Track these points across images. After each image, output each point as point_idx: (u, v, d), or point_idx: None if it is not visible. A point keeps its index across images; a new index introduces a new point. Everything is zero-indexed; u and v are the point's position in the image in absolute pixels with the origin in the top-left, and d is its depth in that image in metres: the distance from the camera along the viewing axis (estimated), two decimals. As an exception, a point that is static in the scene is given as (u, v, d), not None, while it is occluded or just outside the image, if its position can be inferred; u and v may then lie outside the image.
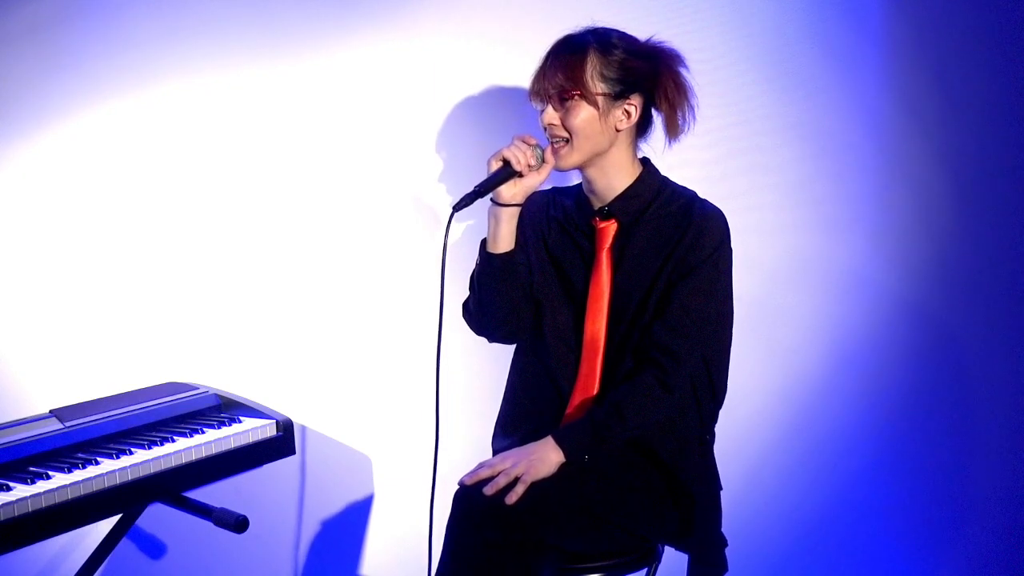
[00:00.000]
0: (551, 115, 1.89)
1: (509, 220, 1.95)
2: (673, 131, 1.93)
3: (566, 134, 1.88)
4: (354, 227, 2.44)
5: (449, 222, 1.86)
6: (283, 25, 2.35)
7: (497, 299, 1.97)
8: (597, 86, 1.85)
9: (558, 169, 1.93)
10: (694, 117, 1.93)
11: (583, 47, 1.86)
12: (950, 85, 2.49)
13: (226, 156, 2.37)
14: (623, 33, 1.90)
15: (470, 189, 1.87)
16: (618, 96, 1.87)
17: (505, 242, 1.96)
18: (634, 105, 1.89)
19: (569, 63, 1.86)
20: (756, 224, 2.43)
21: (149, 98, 2.31)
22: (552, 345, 1.98)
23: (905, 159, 2.51)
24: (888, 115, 2.50)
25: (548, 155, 1.91)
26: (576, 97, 1.85)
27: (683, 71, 1.91)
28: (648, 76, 1.89)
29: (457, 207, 1.86)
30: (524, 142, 1.90)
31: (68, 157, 2.28)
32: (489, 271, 1.97)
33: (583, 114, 1.86)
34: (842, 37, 2.47)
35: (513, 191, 1.92)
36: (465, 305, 2.07)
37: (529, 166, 1.90)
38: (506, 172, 1.90)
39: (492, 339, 2.07)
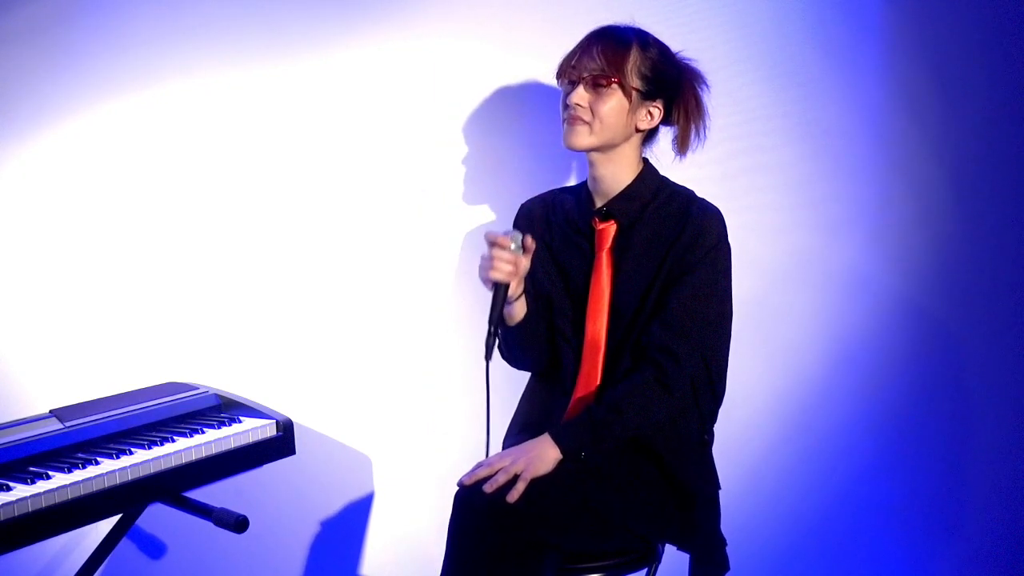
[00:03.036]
0: (581, 95, 1.87)
1: (519, 303, 1.94)
2: (684, 145, 1.96)
3: (589, 117, 1.88)
4: (353, 227, 2.44)
5: (487, 373, 1.84)
6: (283, 25, 2.35)
7: (528, 350, 2.01)
8: (634, 80, 1.87)
9: (569, 147, 1.91)
10: (705, 137, 1.97)
11: (628, 40, 1.88)
12: (950, 85, 2.49)
13: (226, 156, 2.37)
14: (658, 39, 1.93)
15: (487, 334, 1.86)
16: (646, 96, 1.89)
17: (518, 314, 1.95)
18: (658, 108, 1.92)
19: (614, 51, 1.86)
20: (756, 224, 2.43)
21: (149, 98, 2.31)
22: (557, 345, 1.99)
23: (905, 159, 2.51)
24: (888, 115, 2.50)
25: (527, 241, 1.86)
26: (614, 85, 1.86)
27: (704, 91, 1.95)
28: (673, 85, 1.92)
29: (489, 355, 1.84)
30: (499, 247, 1.84)
31: (68, 157, 2.28)
32: (511, 336, 1.99)
33: (615, 103, 1.87)
34: (842, 37, 2.47)
35: (513, 285, 1.88)
36: (499, 348, 2.06)
37: (512, 274, 1.85)
38: (503, 289, 1.86)
39: (532, 371, 2.10)
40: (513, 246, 1.84)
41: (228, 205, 2.38)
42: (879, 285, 2.53)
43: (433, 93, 2.41)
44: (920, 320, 2.55)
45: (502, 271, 1.84)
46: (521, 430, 2.03)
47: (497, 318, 1.86)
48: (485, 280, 1.86)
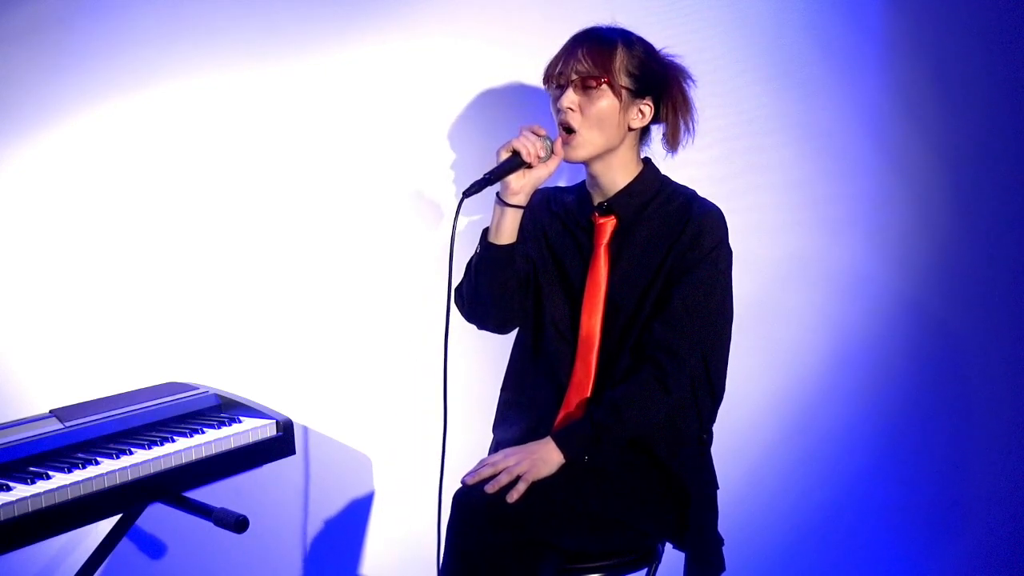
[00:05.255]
0: (571, 99, 1.87)
1: (514, 214, 1.96)
2: (674, 141, 1.96)
3: (579, 121, 1.88)
4: (353, 226, 2.44)
5: (459, 208, 1.86)
6: (283, 25, 2.35)
7: (492, 287, 1.98)
8: (623, 79, 1.87)
9: (567, 160, 1.93)
10: (694, 131, 1.97)
11: (613, 39, 1.88)
12: (950, 85, 2.49)
13: (226, 156, 2.37)
14: (642, 38, 1.93)
15: (478, 178, 1.88)
16: (636, 94, 1.89)
17: (507, 235, 1.96)
18: (648, 106, 1.91)
19: (600, 51, 1.86)
20: (756, 224, 2.43)
21: (149, 98, 2.31)
22: (550, 338, 1.98)
23: (905, 159, 2.51)
24: (888, 115, 2.50)
25: (557, 147, 1.91)
26: (603, 85, 1.86)
27: (690, 85, 1.95)
28: (661, 82, 1.92)
29: (467, 193, 1.86)
30: (534, 132, 1.90)
31: (68, 157, 2.28)
32: (488, 259, 1.97)
33: (605, 103, 1.87)
34: (842, 37, 2.47)
35: (522, 182, 1.92)
36: (458, 290, 2.07)
37: (539, 157, 1.90)
38: (515, 162, 1.90)
39: (481, 326, 2.08)
40: (545, 138, 1.89)
41: (228, 205, 2.38)
42: (879, 285, 2.53)
43: (433, 93, 2.41)
44: (920, 320, 2.55)
45: (525, 144, 1.87)
46: (512, 421, 2.02)
47: (495, 178, 1.88)
48: (502, 150, 1.90)
